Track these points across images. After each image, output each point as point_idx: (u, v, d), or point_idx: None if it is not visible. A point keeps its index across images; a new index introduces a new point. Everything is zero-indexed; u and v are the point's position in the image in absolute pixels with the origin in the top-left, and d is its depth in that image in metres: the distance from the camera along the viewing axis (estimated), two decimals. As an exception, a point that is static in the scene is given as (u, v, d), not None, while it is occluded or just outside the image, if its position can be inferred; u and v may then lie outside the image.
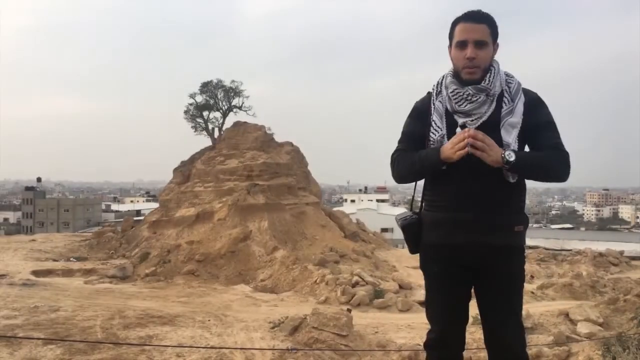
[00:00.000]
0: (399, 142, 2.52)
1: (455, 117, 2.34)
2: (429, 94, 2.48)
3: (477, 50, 2.26)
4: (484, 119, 2.29)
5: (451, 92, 2.34)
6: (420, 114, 2.46)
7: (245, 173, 28.48)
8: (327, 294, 17.00)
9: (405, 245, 2.63)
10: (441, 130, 2.35)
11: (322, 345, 9.59)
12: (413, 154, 2.40)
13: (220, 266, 21.62)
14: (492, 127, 2.26)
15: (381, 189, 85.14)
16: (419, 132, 2.42)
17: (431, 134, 2.37)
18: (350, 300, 16.14)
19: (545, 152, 2.27)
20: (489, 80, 2.29)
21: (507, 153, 2.17)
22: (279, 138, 33.77)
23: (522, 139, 2.30)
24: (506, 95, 2.31)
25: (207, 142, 36.31)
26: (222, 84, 36.47)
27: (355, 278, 17.92)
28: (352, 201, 69.77)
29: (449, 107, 2.36)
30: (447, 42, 2.39)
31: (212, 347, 9.55)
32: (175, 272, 21.16)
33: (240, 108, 36.83)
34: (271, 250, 22.02)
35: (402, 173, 2.44)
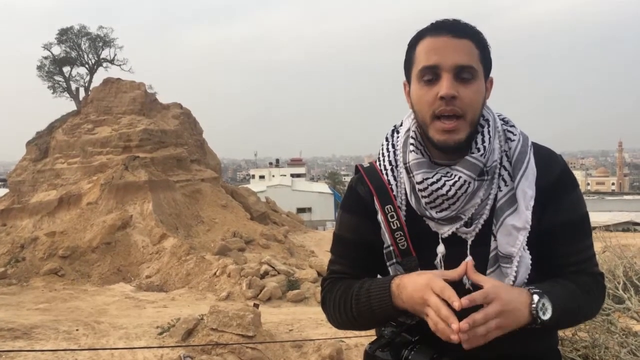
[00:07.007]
0: (332, 253, 1.79)
1: (429, 223, 1.60)
2: (372, 167, 1.71)
3: (460, 84, 1.50)
4: (482, 221, 1.57)
5: (419, 183, 1.56)
6: (362, 205, 1.68)
7: (122, 144, 28.43)
8: (230, 288, 17.37)
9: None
10: (404, 241, 1.60)
11: (224, 350, 9.84)
12: (348, 285, 1.64)
13: (92, 262, 21.41)
14: (488, 228, 1.58)
15: (296, 161, 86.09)
16: (365, 237, 1.67)
17: (386, 247, 1.63)
18: (259, 294, 16.55)
19: (581, 289, 1.54)
20: (484, 148, 1.55)
21: (538, 306, 1.39)
22: (164, 99, 33.25)
23: (530, 240, 1.56)
24: (504, 167, 1.59)
25: (70, 106, 36.42)
26: (87, 31, 36.00)
27: (265, 267, 18.27)
28: (262, 177, 70.49)
29: (414, 205, 1.61)
30: (403, 76, 1.66)
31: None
32: (32, 272, 20.78)
33: (112, 62, 36.40)
34: (158, 239, 22.28)
35: (338, 320, 1.68)
